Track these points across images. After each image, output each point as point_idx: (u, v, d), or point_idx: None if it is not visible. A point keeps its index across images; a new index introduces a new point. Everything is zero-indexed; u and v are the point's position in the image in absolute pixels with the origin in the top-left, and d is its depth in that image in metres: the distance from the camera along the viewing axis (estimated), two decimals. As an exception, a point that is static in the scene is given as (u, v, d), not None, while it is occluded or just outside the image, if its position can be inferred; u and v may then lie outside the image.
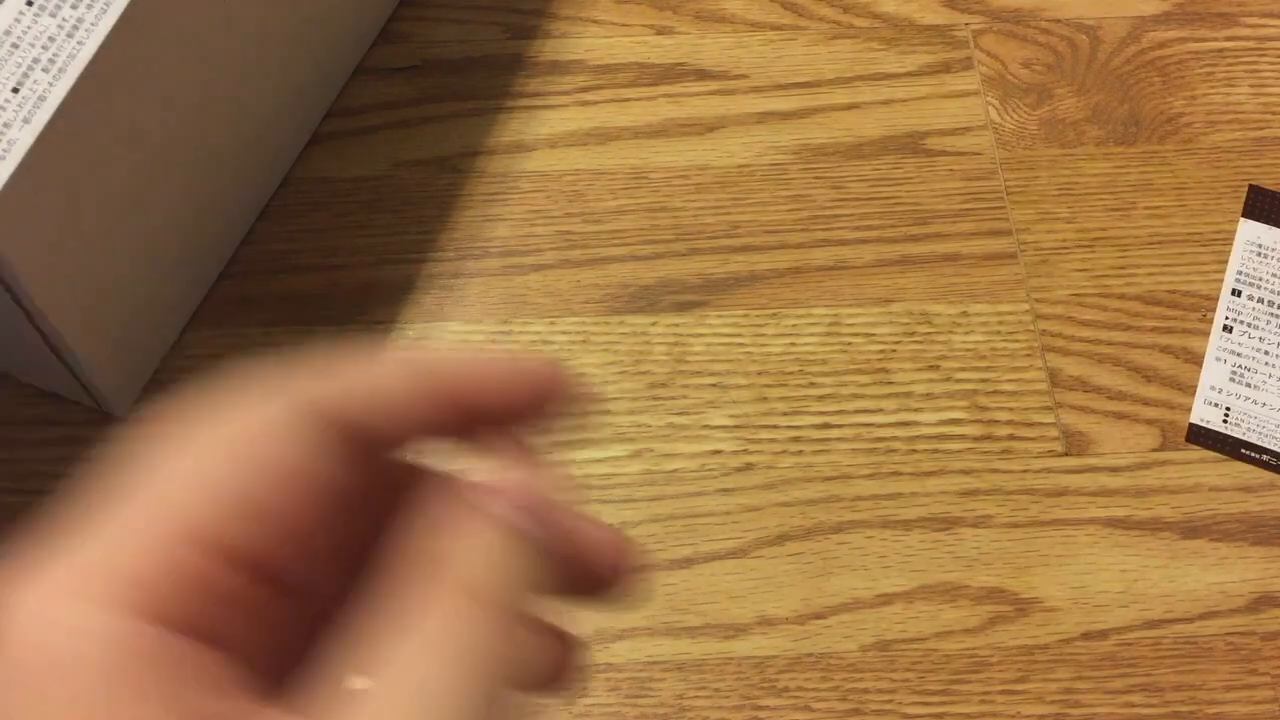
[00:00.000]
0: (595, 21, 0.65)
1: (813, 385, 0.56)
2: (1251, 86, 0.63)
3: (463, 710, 0.23)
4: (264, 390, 0.26)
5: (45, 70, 0.44)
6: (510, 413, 0.29)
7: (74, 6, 0.45)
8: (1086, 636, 0.51)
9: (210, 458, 0.25)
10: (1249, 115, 0.62)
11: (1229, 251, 0.58)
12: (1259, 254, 0.58)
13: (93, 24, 0.45)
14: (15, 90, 0.44)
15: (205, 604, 0.23)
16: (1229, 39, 0.64)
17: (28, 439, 0.54)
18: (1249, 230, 0.58)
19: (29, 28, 0.45)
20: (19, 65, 0.44)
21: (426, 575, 0.25)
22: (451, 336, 0.57)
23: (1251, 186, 0.59)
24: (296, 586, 0.25)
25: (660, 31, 0.65)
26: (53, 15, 0.45)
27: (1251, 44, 0.64)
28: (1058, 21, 0.65)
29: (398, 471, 0.28)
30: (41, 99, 0.44)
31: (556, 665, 0.29)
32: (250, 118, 0.56)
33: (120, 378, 0.54)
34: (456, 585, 0.25)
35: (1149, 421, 0.55)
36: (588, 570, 0.30)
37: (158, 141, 0.50)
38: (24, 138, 0.43)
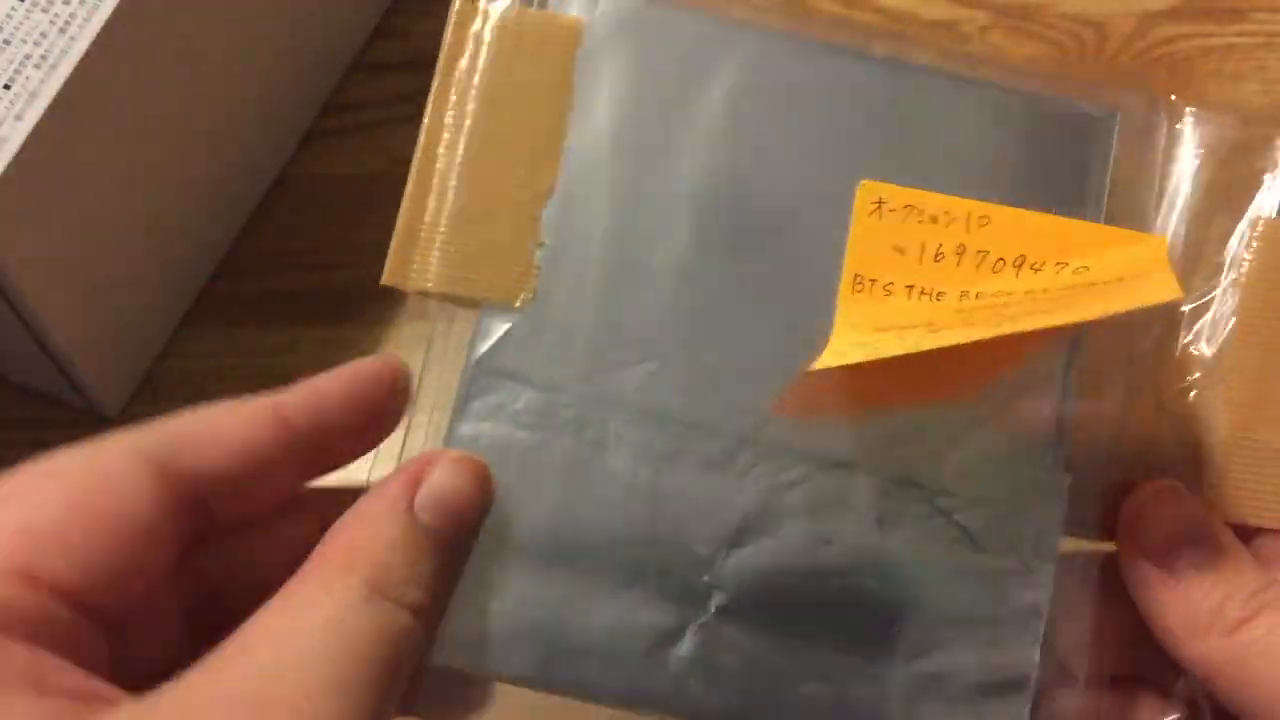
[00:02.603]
0: (595, 16, 0.65)
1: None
2: (1260, 83, 0.62)
3: (325, 678, 0.26)
4: (103, 444, 0.29)
5: (37, 66, 0.44)
6: (354, 422, 0.32)
7: (66, 2, 0.45)
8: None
9: (43, 503, 0.28)
10: (1257, 112, 0.61)
11: (1237, 250, 0.58)
12: (1268, 253, 0.57)
13: (85, 20, 0.45)
14: (7, 87, 0.43)
15: (33, 629, 0.26)
16: (1237, 34, 0.64)
17: (18, 439, 0.54)
18: (1258, 229, 0.58)
19: (20, 24, 0.44)
20: (10, 61, 0.44)
21: (312, 560, 0.29)
22: (452, 335, 0.56)
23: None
24: (121, 621, 0.28)
25: (661, 26, 0.64)
26: (44, 11, 0.44)
27: (1260, 40, 0.63)
28: (1064, 16, 0.64)
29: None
30: (33, 95, 0.43)
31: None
32: (244, 114, 0.56)
33: (111, 377, 0.53)
34: (333, 560, 0.28)
35: (1157, 423, 0.55)
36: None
37: (150, 138, 0.50)
38: (15, 134, 0.43)
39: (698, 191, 0.34)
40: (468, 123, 0.35)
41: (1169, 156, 0.36)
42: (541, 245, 0.34)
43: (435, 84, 0.36)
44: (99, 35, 0.44)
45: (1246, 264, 0.34)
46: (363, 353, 0.55)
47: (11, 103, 0.43)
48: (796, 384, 0.33)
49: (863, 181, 0.33)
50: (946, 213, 0.33)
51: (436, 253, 0.36)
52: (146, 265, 0.53)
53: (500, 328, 0.35)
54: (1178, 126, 0.37)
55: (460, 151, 0.35)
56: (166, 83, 0.50)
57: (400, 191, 0.60)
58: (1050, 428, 0.33)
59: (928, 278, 0.33)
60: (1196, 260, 0.35)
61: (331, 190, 0.60)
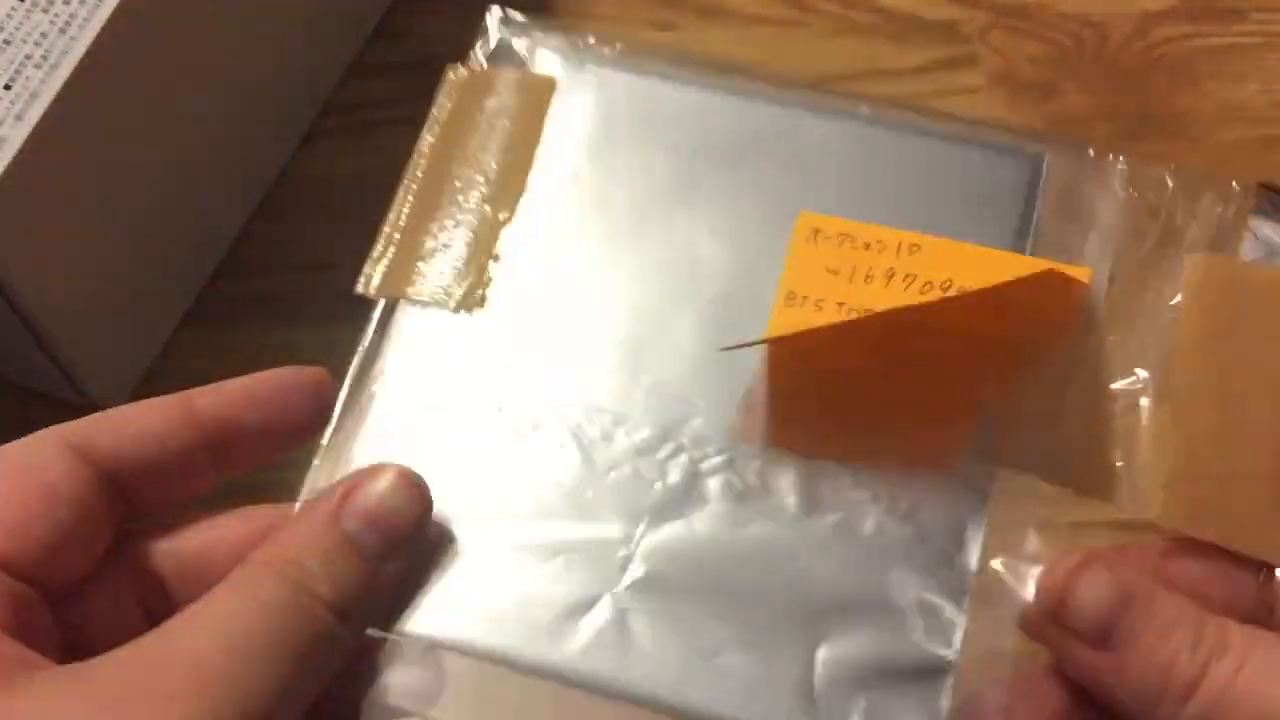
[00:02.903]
0: (595, 16, 0.65)
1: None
2: (1260, 83, 0.62)
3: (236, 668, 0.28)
4: (33, 435, 0.33)
5: (38, 66, 0.44)
6: (265, 423, 0.36)
7: (66, 2, 0.45)
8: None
9: None
10: (1258, 112, 0.61)
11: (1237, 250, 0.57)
12: (1269, 253, 0.57)
13: (85, 19, 0.45)
14: (7, 87, 0.43)
15: None
16: (1238, 34, 0.64)
17: (16, 439, 0.54)
18: (1258, 228, 0.58)
19: (21, 24, 0.44)
20: (11, 61, 0.44)
21: (245, 559, 0.32)
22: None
23: (1260, 184, 0.59)
24: (63, 593, 0.32)
25: (661, 27, 0.64)
26: (45, 11, 0.44)
27: (1260, 40, 0.63)
28: (1064, 17, 0.64)
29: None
30: (34, 95, 0.43)
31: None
32: (244, 114, 0.56)
33: (111, 377, 0.53)
34: (260, 559, 0.31)
35: (1157, 423, 0.55)
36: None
37: (151, 138, 0.50)
38: (16, 134, 0.43)
39: (642, 232, 0.39)
40: (439, 152, 0.41)
41: (1101, 201, 0.38)
42: (496, 259, 0.39)
43: (424, 132, 0.42)
44: (99, 35, 0.44)
45: (1179, 302, 0.36)
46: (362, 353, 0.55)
47: (12, 103, 0.43)
48: (749, 411, 0.36)
49: (801, 212, 0.37)
50: (879, 241, 0.36)
51: (400, 260, 0.40)
52: (146, 265, 0.53)
53: (449, 325, 0.38)
54: (1110, 173, 0.39)
55: (425, 175, 0.41)
56: (166, 83, 0.50)
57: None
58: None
59: (857, 296, 0.35)
60: (1130, 298, 0.36)
61: (331, 190, 0.60)
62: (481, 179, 0.40)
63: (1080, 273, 0.36)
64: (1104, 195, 0.38)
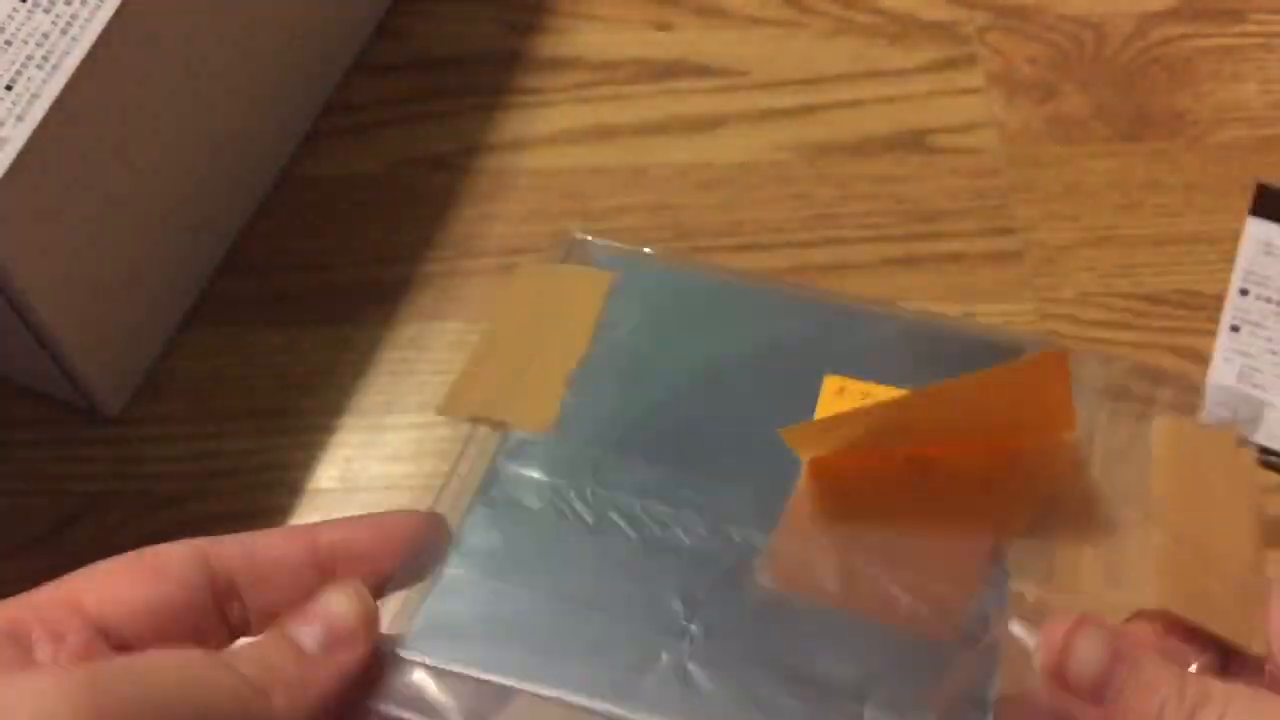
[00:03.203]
0: (595, 17, 0.65)
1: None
2: (1259, 83, 0.62)
3: None
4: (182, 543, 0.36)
5: (39, 67, 0.44)
6: (376, 568, 0.38)
7: (68, 3, 0.45)
8: (1094, 640, 0.51)
9: (110, 569, 0.35)
10: (1256, 112, 0.61)
11: (1236, 250, 0.57)
12: (1267, 253, 0.57)
13: (86, 20, 0.45)
14: (9, 87, 0.43)
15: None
16: (1236, 35, 0.64)
17: (19, 439, 0.54)
18: (1257, 229, 0.58)
19: (22, 24, 0.44)
20: (12, 62, 0.44)
21: None
22: (450, 335, 0.56)
23: (1259, 184, 0.59)
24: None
25: (660, 27, 0.65)
26: (46, 12, 0.45)
27: (1259, 40, 0.63)
28: (1063, 17, 0.64)
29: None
30: (35, 96, 0.43)
31: None
32: (245, 114, 0.56)
33: (113, 377, 0.53)
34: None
35: (1156, 422, 0.55)
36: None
37: (152, 139, 0.50)
38: (17, 135, 0.43)
39: (676, 397, 0.44)
40: (524, 315, 0.46)
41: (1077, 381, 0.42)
42: (567, 392, 0.44)
43: (501, 298, 0.48)
44: (101, 36, 0.45)
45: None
46: (362, 353, 0.56)
47: (14, 103, 0.43)
48: (780, 550, 0.40)
49: (826, 376, 0.44)
50: (892, 398, 0.42)
51: (485, 390, 0.44)
52: (147, 265, 0.53)
53: (525, 440, 0.43)
54: (1084, 363, 0.44)
55: (515, 329, 0.46)
56: (168, 83, 0.50)
57: (399, 193, 0.60)
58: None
59: (878, 436, 0.41)
60: (1109, 455, 0.42)
61: (332, 191, 0.60)
62: (556, 332, 0.46)
63: (1066, 435, 0.42)
64: (1080, 376, 0.43)
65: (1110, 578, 0.39)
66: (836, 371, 0.43)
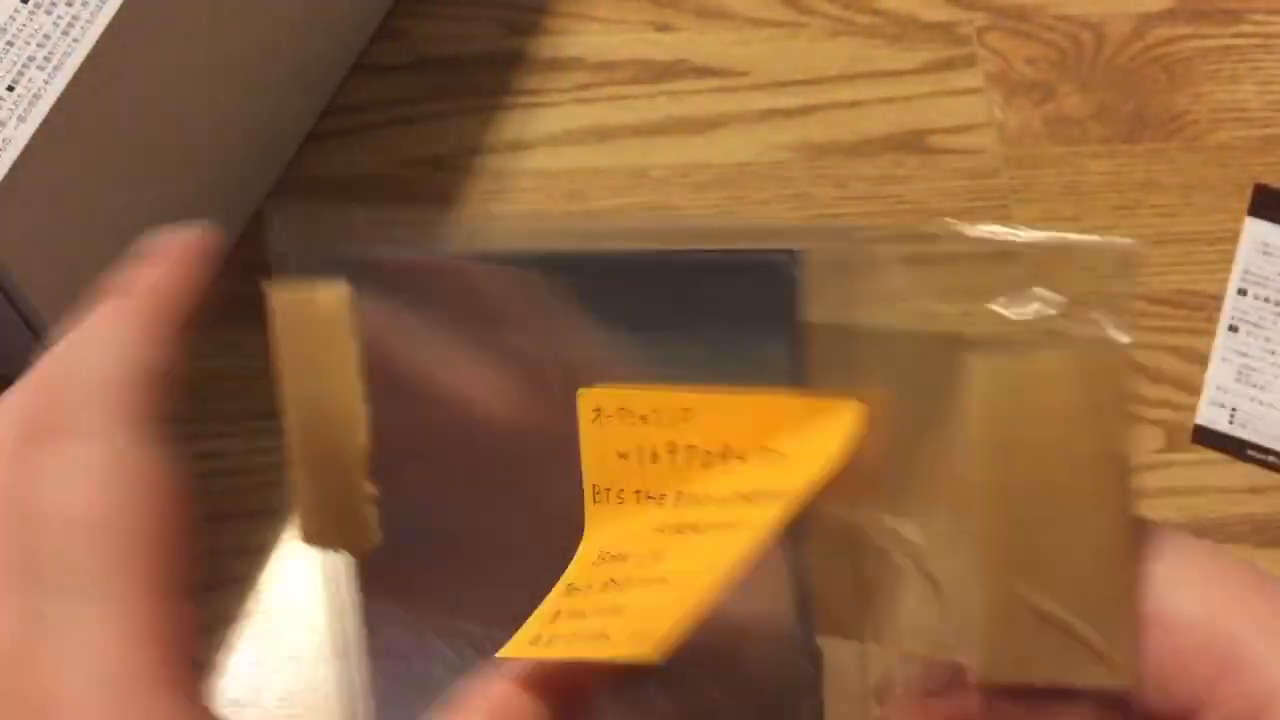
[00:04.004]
0: (595, 18, 0.65)
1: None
2: (1257, 84, 0.62)
3: None
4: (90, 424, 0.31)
5: (40, 68, 0.44)
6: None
7: (69, 4, 0.45)
8: (1092, 640, 0.51)
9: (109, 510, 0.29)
10: (1255, 113, 0.62)
11: (1235, 251, 0.58)
12: (1265, 253, 0.57)
13: (88, 21, 0.45)
14: (10, 88, 0.43)
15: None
16: (1235, 36, 0.64)
17: (21, 440, 0.54)
18: (1255, 229, 0.58)
19: (24, 25, 0.44)
20: (14, 63, 0.44)
21: None
22: (450, 336, 0.56)
23: (1257, 185, 0.59)
24: None
25: (660, 28, 0.65)
26: (48, 13, 0.45)
27: (1257, 41, 0.64)
28: (1062, 18, 0.65)
29: None
30: (37, 97, 0.43)
31: None
32: (246, 115, 0.56)
33: (115, 378, 0.53)
34: None
35: (1154, 422, 0.55)
36: None
37: (152, 139, 0.50)
38: (19, 135, 0.43)
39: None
40: (289, 395, 0.37)
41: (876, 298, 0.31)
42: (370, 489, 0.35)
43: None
44: (102, 37, 0.45)
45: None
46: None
47: (15, 104, 0.43)
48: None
49: (579, 390, 0.32)
50: (655, 410, 0.32)
51: (302, 511, 0.37)
52: (149, 266, 0.53)
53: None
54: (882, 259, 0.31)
55: (291, 422, 0.37)
56: (168, 84, 0.50)
57: (399, 194, 0.60)
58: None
59: (650, 481, 0.32)
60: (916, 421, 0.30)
61: (333, 191, 0.60)
62: (327, 413, 0.36)
63: (853, 409, 0.30)
64: (877, 288, 0.31)
65: (918, 622, 0.30)
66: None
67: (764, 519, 0.30)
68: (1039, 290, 0.30)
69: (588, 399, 0.32)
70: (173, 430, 0.31)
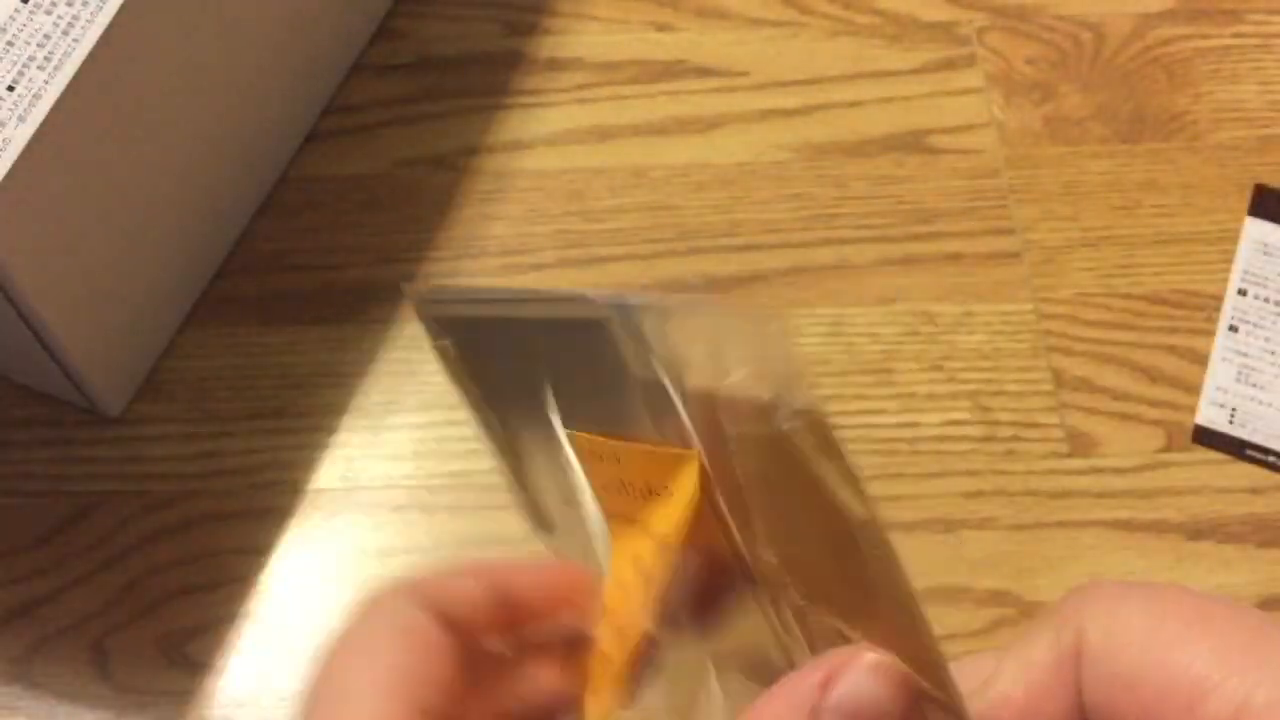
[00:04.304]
0: (594, 18, 0.65)
1: (814, 386, 0.55)
2: (1257, 84, 0.62)
3: None
4: (391, 600, 0.32)
5: (41, 68, 0.44)
6: (548, 612, 0.34)
7: (69, 4, 0.45)
8: (1092, 640, 0.51)
9: (383, 665, 0.31)
10: (1255, 113, 0.62)
11: (1235, 251, 0.58)
12: (1265, 253, 0.57)
13: (88, 21, 0.45)
14: (10, 88, 0.43)
15: None
16: (1234, 36, 0.64)
17: (20, 440, 0.54)
18: (1255, 229, 0.58)
19: (24, 25, 0.44)
20: (14, 63, 0.44)
21: None
22: (450, 336, 0.56)
23: (1257, 185, 0.59)
24: None
25: (660, 28, 0.65)
26: (48, 13, 0.45)
27: (1257, 41, 0.64)
28: (1062, 18, 0.65)
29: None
30: (37, 97, 0.43)
31: None
32: (246, 115, 0.56)
33: (114, 378, 0.54)
34: None
35: (1154, 422, 0.55)
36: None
37: (153, 139, 0.50)
38: (19, 136, 0.43)
39: None
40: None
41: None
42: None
43: None
44: (102, 37, 0.45)
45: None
46: (364, 353, 0.56)
47: (15, 104, 0.43)
48: None
49: (570, 433, 0.33)
50: (603, 454, 0.33)
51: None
52: (148, 266, 0.53)
53: None
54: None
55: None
56: (169, 84, 0.50)
57: (399, 194, 0.60)
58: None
59: (629, 510, 0.33)
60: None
61: (333, 191, 0.60)
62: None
63: (689, 456, 0.30)
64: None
65: None
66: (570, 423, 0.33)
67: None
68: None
69: (575, 441, 0.34)
70: None
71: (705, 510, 0.30)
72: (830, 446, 0.25)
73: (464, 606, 0.32)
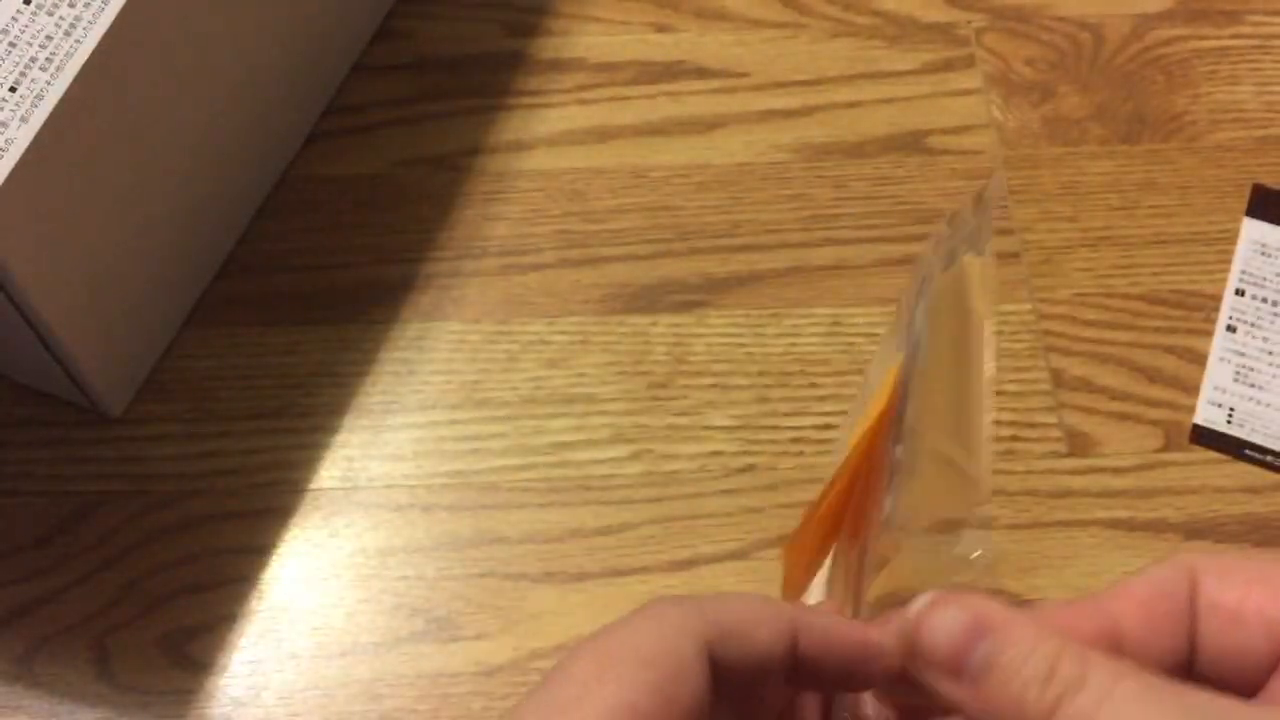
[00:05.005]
0: (595, 19, 0.65)
1: (814, 386, 0.56)
2: (1255, 85, 0.63)
3: None
4: (664, 623, 0.31)
5: (43, 69, 0.44)
6: (838, 677, 0.34)
7: (71, 5, 0.45)
8: (1091, 639, 0.51)
9: (637, 686, 0.30)
10: (1253, 114, 0.62)
11: (1233, 251, 0.58)
12: (1263, 253, 0.57)
13: (90, 22, 0.45)
14: (13, 89, 0.43)
15: None
16: (1233, 37, 0.64)
17: (20, 439, 0.54)
18: (1253, 230, 0.58)
19: (26, 26, 0.44)
20: (16, 64, 0.44)
21: None
22: (450, 336, 0.56)
23: (1255, 185, 0.59)
24: None
25: (660, 29, 0.65)
26: (50, 14, 0.45)
27: (1255, 42, 0.64)
28: (1061, 19, 0.65)
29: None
30: (39, 98, 0.44)
31: None
32: (247, 116, 0.56)
33: (115, 378, 0.54)
34: None
35: (1153, 422, 0.55)
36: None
37: (155, 140, 0.50)
38: (21, 136, 0.43)
39: None
40: None
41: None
42: None
43: None
44: (104, 38, 0.45)
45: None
46: (364, 353, 0.56)
47: (17, 105, 0.43)
48: None
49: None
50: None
51: None
52: (150, 266, 0.53)
53: None
54: None
55: None
56: (170, 85, 0.50)
57: (400, 194, 0.60)
58: None
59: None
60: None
61: (333, 191, 0.60)
62: None
63: (892, 369, 0.41)
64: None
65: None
66: None
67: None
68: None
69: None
70: None
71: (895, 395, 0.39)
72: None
73: (746, 660, 0.32)
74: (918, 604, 0.31)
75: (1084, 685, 0.28)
